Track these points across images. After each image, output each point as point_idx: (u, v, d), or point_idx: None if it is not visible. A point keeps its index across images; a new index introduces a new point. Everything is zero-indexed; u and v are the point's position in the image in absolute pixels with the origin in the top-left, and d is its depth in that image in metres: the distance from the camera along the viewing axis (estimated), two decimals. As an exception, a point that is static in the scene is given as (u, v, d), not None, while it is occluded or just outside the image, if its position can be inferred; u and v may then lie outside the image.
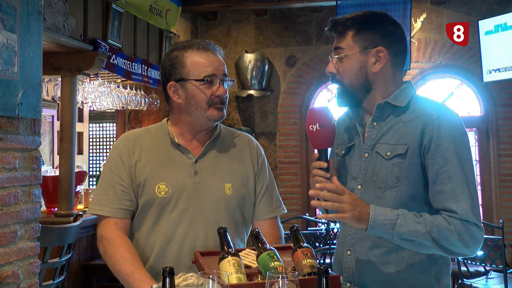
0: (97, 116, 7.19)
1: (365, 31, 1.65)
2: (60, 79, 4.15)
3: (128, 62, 4.56)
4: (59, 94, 4.48)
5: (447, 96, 5.79)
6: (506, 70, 5.02)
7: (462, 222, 1.52)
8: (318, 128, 1.61)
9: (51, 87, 4.75)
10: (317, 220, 5.32)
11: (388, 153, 1.62)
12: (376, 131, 1.68)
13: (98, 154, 7.51)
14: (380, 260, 1.63)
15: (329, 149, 1.67)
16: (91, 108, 5.58)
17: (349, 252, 1.68)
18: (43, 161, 4.69)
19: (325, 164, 1.60)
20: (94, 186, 5.92)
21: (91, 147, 7.20)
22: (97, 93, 4.72)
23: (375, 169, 1.64)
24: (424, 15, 5.64)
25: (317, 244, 4.63)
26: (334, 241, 3.80)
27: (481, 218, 1.58)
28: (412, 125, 1.62)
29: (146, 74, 4.86)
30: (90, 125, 6.77)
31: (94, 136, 7.52)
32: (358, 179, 1.68)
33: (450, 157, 1.56)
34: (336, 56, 1.68)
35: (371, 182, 1.64)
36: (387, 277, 1.62)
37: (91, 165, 7.05)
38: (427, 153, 1.58)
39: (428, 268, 1.62)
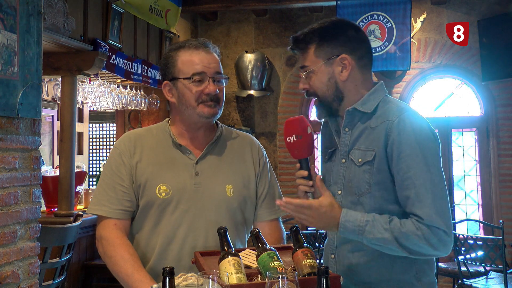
0: (97, 116, 7.18)
1: (325, 43, 1.65)
2: (60, 79, 4.14)
3: (128, 62, 4.56)
4: (59, 94, 4.48)
5: (447, 96, 5.79)
6: (506, 70, 5.02)
7: (429, 227, 1.51)
8: (295, 139, 1.65)
9: (51, 87, 4.75)
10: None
11: (360, 160, 1.64)
12: (349, 136, 1.69)
13: (98, 154, 7.51)
14: (361, 262, 1.65)
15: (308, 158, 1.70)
16: (91, 108, 5.58)
17: (333, 256, 1.72)
18: (43, 161, 4.69)
19: (305, 173, 1.67)
20: (94, 186, 5.92)
21: (91, 147, 7.20)
22: (97, 93, 4.72)
23: (350, 175, 1.66)
24: (424, 15, 5.63)
25: (317, 244, 4.62)
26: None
27: (451, 220, 1.55)
28: (378, 132, 1.62)
29: (146, 74, 4.86)
30: (90, 125, 6.76)
31: (94, 136, 7.51)
32: (338, 184, 1.71)
33: (412, 163, 1.55)
34: (303, 74, 1.69)
35: (348, 188, 1.67)
36: (369, 278, 1.64)
37: (91, 165, 7.04)
38: (391, 160, 1.59)
39: (408, 268, 1.63)
